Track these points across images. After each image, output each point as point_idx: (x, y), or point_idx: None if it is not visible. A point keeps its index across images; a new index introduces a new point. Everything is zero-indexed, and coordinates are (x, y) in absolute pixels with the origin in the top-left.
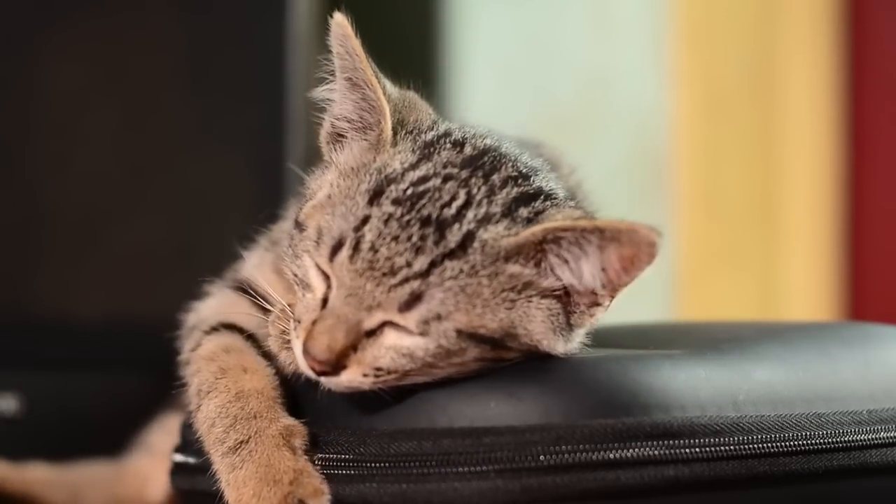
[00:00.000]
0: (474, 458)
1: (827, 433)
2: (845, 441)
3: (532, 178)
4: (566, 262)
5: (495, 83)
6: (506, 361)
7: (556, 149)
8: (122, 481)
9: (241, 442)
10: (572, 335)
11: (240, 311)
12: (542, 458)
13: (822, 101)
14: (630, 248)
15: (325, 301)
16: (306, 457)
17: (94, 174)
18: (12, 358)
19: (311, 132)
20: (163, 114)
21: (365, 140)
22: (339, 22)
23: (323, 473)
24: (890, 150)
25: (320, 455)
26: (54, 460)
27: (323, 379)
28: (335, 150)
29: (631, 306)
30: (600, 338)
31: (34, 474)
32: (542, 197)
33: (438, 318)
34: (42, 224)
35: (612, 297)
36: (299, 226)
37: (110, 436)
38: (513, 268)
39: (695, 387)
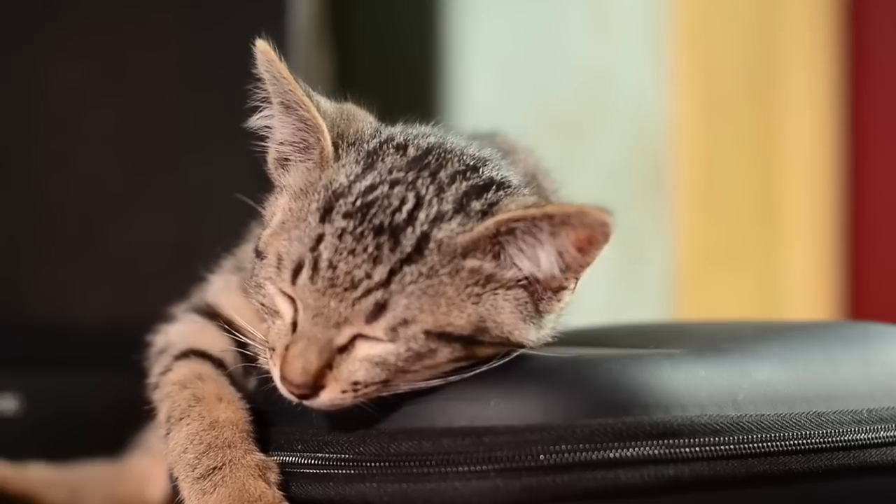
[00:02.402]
0: (474, 457)
1: (827, 432)
2: (845, 440)
3: (481, 170)
4: (523, 251)
5: (495, 83)
6: (482, 360)
7: (510, 134)
8: (122, 481)
9: (214, 468)
10: (543, 322)
11: (208, 337)
12: (541, 457)
13: (822, 101)
14: (583, 231)
15: (295, 325)
16: (281, 493)
17: (93, 174)
18: (12, 358)
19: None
20: (163, 113)
21: (309, 160)
22: (262, 48)
23: (323, 473)
24: (890, 150)
25: (320, 455)
26: (54, 460)
27: (305, 402)
28: (283, 174)
29: (631, 306)
30: (600, 338)
31: (34, 474)
32: (493, 187)
33: (405, 322)
34: (42, 224)
35: (576, 279)
36: (259, 254)
37: (110, 436)
38: (472, 263)
39: (694, 386)
